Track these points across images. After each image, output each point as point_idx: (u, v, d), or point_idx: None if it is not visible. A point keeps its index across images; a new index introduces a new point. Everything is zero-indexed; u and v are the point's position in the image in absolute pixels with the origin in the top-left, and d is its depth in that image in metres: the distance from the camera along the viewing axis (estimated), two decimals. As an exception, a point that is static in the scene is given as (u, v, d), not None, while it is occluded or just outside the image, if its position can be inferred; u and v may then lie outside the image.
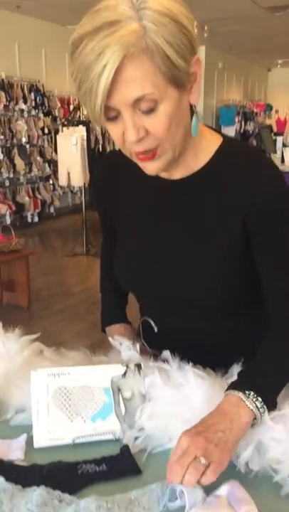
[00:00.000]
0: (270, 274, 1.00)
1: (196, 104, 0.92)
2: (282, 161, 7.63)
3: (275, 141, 8.19)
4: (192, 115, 0.93)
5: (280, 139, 8.24)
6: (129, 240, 1.14)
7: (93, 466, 0.93)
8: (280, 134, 10.40)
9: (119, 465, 0.93)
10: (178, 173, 1.02)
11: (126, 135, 0.86)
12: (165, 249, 1.07)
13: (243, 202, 0.96)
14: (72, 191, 8.72)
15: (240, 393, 0.90)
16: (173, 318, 1.11)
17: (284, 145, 8.07)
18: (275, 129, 12.58)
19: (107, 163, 1.18)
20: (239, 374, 0.98)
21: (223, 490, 0.85)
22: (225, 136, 1.02)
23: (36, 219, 8.05)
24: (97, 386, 1.03)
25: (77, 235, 6.42)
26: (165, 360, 1.07)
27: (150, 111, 0.83)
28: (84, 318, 4.10)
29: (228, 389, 0.94)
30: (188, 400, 1.00)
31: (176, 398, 1.01)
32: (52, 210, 8.50)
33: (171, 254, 1.06)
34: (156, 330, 1.14)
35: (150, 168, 0.93)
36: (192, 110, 0.93)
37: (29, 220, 7.94)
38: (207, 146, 1.00)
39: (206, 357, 1.06)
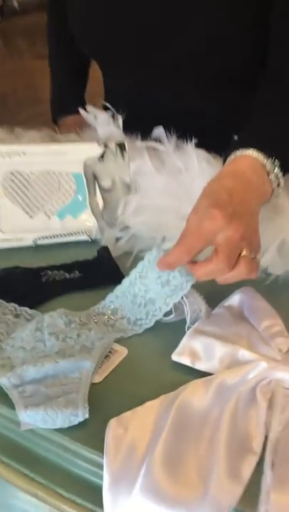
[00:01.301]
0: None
1: None
2: None
3: None
4: None
5: None
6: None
7: (62, 273, 0.71)
8: None
9: (96, 271, 0.71)
10: None
11: None
12: None
13: None
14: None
15: (264, 158, 0.62)
16: (150, 96, 0.81)
17: None
18: None
19: None
20: (252, 127, 0.68)
21: (235, 299, 0.64)
22: None
23: (-3, 15, 6.98)
24: (65, 172, 0.76)
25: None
26: (157, 140, 0.78)
27: None
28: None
29: (238, 145, 0.64)
30: (189, 191, 0.74)
31: (172, 188, 0.75)
32: (15, 4, 7.33)
33: None
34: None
35: None
36: None
37: (-11, 16, 6.87)
38: None
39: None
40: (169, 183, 0.75)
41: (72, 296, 0.67)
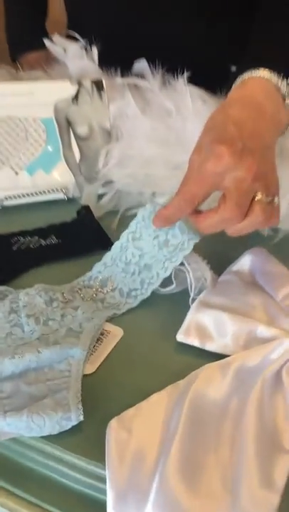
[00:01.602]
0: None
1: None
2: None
3: None
4: None
5: None
6: None
7: (36, 240, 0.59)
8: None
9: (77, 236, 0.60)
10: None
11: None
12: None
13: None
14: None
15: (279, 80, 0.51)
16: (138, 25, 0.68)
17: None
18: None
19: None
20: (258, 46, 0.57)
21: (244, 263, 0.54)
22: None
23: None
24: (32, 117, 0.63)
25: None
26: (140, 75, 0.66)
27: None
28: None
29: (244, 67, 0.53)
30: (180, 136, 0.63)
31: (161, 133, 0.63)
32: None
33: None
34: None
35: None
36: None
37: None
38: None
39: None
40: (157, 128, 0.63)
41: (50, 268, 0.57)
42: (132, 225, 0.52)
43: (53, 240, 0.60)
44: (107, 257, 0.54)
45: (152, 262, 0.52)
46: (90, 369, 0.46)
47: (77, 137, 0.65)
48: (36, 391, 0.42)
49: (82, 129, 0.65)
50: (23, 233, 0.60)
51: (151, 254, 0.52)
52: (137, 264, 0.52)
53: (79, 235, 0.60)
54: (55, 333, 0.48)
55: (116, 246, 0.54)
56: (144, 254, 0.52)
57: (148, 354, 0.47)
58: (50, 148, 0.64)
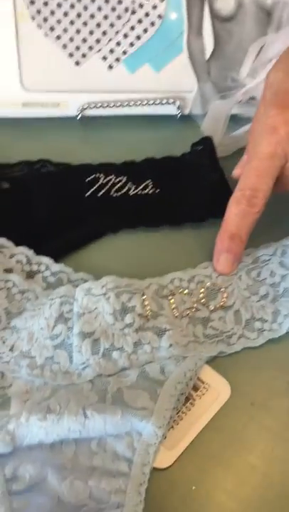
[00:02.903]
0: None
1: None
2: None
3: None
4: None
5: None
6: None
7: (123, 183, 0.38)
8: None
9: (186, 186, 0.38)
10: None
11: None
12: None
13: None
14: None
15: None
16: None
17: None
18: None
19: None
20: None
21: None
22: None
23: None
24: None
25: None
26: None
27: None
28: None
29: None
30: None
31: None
32: None
33: None
34: None
35: None
36: None
37: None
38: None
39: None
40: None
41: (128, 239, 0.36)
42: None
43: (149, 187, 0.38)
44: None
45: None
46: (165, 460, 0.27)
47: (215, 15, 0.39)
48: (69, 493, 0.25)
49: (225, 3, 0.39)
50: (106, 168, 0.39)
51: None
52: (275, 287, 0.31)
53: (189, 187, 0.38)
54: (119, 378, 0.29)
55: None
56: None
57: (276, 433, 0.28)
58: (167, 29, 0.40)
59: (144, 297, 0.31)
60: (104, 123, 0.42)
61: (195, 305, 0.32)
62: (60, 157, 0.40)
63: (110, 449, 0.27)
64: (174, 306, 0.32)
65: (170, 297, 0.32)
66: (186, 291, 0.32)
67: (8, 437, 0.26)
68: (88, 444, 0.27)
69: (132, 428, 0.27)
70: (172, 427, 0.28)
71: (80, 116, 0.42)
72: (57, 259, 0.34)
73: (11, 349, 0.30)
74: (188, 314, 0.32)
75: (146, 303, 0.31)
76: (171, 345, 0.30)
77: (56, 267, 0.34)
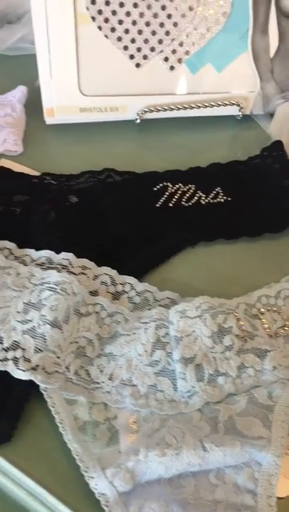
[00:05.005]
0: None
1: None
2: None
3: None
4: None
5: None
6: None
7: (193, 191, 0.37)
8: None
9: (257, 194, 0.37)
10: None
11: None
12: None
13: None
14: None
15: None
16: None
17: None
18: None
19: None
20: None
21: None
22: None
23: None
24: None
25: None
26: None
27: None
28: None
29: None
30: None
31: None
32: None
33: None
34: None
35: None
36: None
37: None
38: None
39: None
40: None
41: (207, 252, 0.35)
42: None
43: (220, 195, 0.37)
44: None
45: None
46: (284, 489, 0.27)
47: (282, 12, 0.38)
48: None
49: (293, -1, 0.37)
50: (172, 176, 0.37)
51: None
52: None
53: (261, 194, 0.37)
54: (229, 405, 0.28)
55: None
56: None
57: None
58: (231, 27, 0.38)
59: (238, 318, 0.30)
60: (161, 126, 0.41)
61: (287, 323, 0.31)
62: (120, 163, 0.38)
63: (230, 481, 0.26)
64: (266, 325, 0.31)
65: (260, 315, 0.31)
66: (274, 308, 0.32)
67: (128, 475, 0.25)
68: (206, 476, 0.26)
69: (250, 458, 0.26)
70: (287, 453, 0.28)
71: (138, 120, 0.40)
72: (138, 277, 0.33)
73: (110, 378, 0.29)
74: (282, 333, 0.31)
75: (241, 323, 0.30)
76: (274, 368, 0.29)
77: (141, 286, 0.32)
